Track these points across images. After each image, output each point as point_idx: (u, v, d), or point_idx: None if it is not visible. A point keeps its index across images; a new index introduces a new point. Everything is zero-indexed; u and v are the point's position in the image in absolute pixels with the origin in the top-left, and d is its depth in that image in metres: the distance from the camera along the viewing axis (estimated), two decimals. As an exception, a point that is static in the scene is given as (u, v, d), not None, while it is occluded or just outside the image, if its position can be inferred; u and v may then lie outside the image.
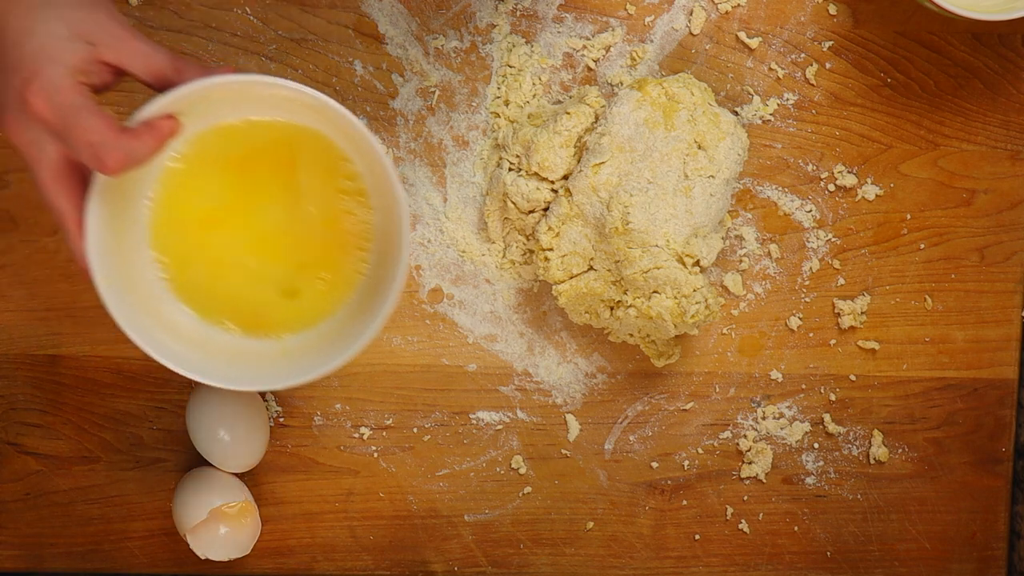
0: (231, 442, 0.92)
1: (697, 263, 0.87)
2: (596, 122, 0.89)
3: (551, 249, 0.89)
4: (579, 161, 0.89)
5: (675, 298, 0.87)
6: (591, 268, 0.89)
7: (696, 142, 0.88)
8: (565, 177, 0.90)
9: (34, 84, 0.70)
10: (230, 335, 0.83)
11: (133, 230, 0.80)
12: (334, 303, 0.83)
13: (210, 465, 0.94)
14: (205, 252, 0.82)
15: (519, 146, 0.91)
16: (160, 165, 0.78)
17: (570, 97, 0.94)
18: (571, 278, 0.90)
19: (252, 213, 0.82)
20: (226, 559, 0.93)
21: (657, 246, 0.86)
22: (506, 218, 0.93)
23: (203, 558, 0.92)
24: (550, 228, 0.89)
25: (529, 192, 0.90)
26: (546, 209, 0.91)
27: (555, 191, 0.90)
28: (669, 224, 0.87)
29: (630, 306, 0.88)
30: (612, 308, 0.90)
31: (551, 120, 0.90)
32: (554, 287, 0.90)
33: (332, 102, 0.75)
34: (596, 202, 0.87)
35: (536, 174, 0.90)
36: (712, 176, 0.88)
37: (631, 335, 0.93)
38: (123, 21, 0.74)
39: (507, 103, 0.93)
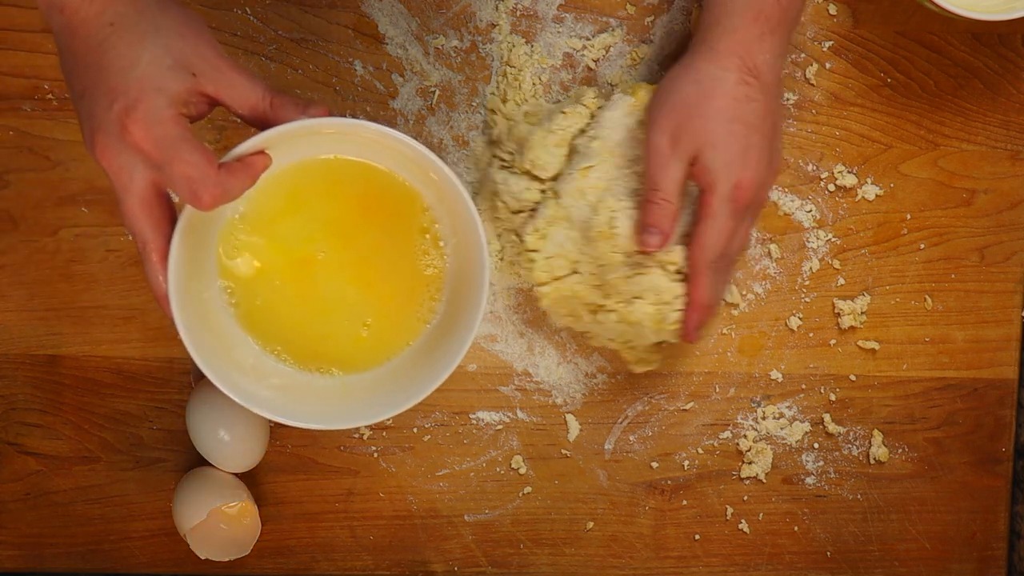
0: (231, 442, 0.92)
1: (679, 271, 0.87)
2: (590, 123, 0.89)
3: (536, 250, 0.89)
4: (569, 163, 0.89)
5: (656, 304, 0.87)
6: (575, 272, 0.89)
7: None
8: (555, 178, 0.90)
9: (136, 112, 0.70)
10: (289, 368, 0.84)
11: (209, 260, 0.81)
12: (395, 347, 0.85)
13: (210, 465, 0.94)
14: (274, 284, 0.83)
15: (513, 143, 0.91)
16: (246, 196, 0.79)
17: (567, 97, 0.94)
18: (554, 280, 0.90)
19: (328, 249, 0.83)
20: (226, 559, 0.93)
21: (640, 252, 0.86)
22: (496, 218, 0.93)
23: (203, 558, 0.92)
24: (536, 229, 0.89)
25: (519, 191, 0.90)
26: (534, 210, 0.91)
27: (544, 192, 0.90)
28: None
29: (611, 310, 0.88)
30: (594, 312, 0.90)
31: (546, 118, 0.90)
32: (537, 288, 0.90)
33: (423, 149, 0.77)
34: (583, 205, 0.87)
35: (528, 172, 0.90)
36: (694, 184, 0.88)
37: (611, 339, 0.92)
38: (223, 53, 0.74)
39: (504, 100, 0.93)
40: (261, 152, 0.76)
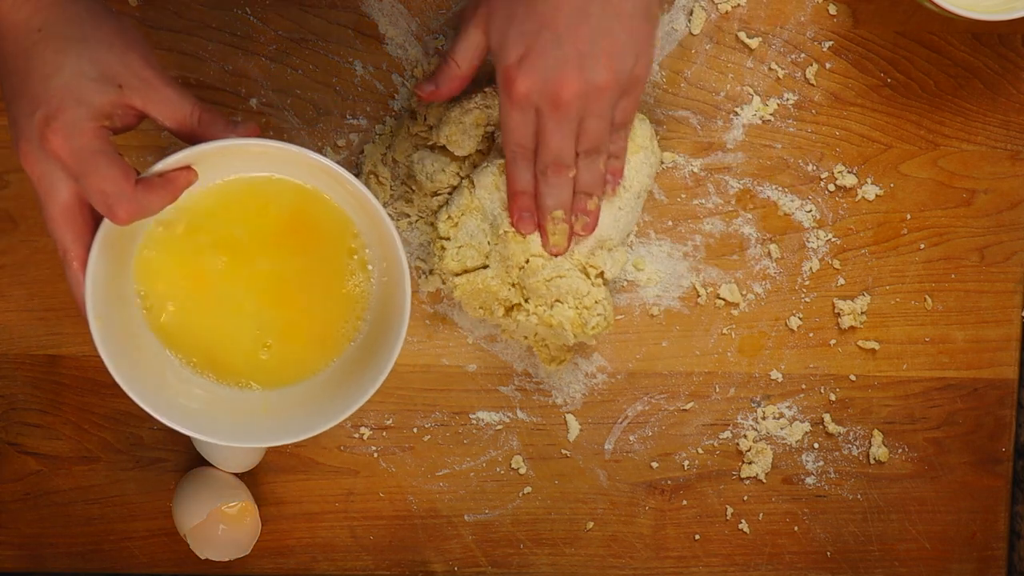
0: None
1: (601, 275, 0.87)
2: None
3: (448, 238, 0.89)
4: (488, 152, 0.89)
5: (576, 308, 0.87)
6: (485, 265, 0.89)
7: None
8: (473, 164, 0.89)
9: (56, 123, 0.70)
10: (208, 382, 0.84)
11: (128, 269, 0.81)
12: (318, 364, 0.86)
13: (210, 465, 0.94)
14: (195, 297, 0.83)
15: (433, 117, 0.90)
16: (175, 208, 0.79)
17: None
18: (465, 272, 0.89)
19: (250, 266, 0.83)
20: (226, 559, 0.93)
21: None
22: (410, 202, 0.92)
23: (203, 558, 0.92)
24: (449, 217, 0.89)
25: (434, 171, 0.90)
26: (448, 198, 0.90)
27: (460, 178, 0.90)
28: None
29: (531, 313, 0.88)
30: (508, 309, 0.90)
31: (464, 97, 0.89)
32: (451, 278, 0.90)
33: (347, 174, 0.77)
34: (496, 200, 0.87)
35: (443, 149, 0.90)
36: (625, 191, 0.88)
37: (526, 337, 0.92)
38: (155, 64, 0.74)
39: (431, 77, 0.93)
40: (187, 168, 0.75)
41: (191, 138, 0.75)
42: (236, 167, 0.80)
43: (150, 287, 0.83)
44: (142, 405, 0.79)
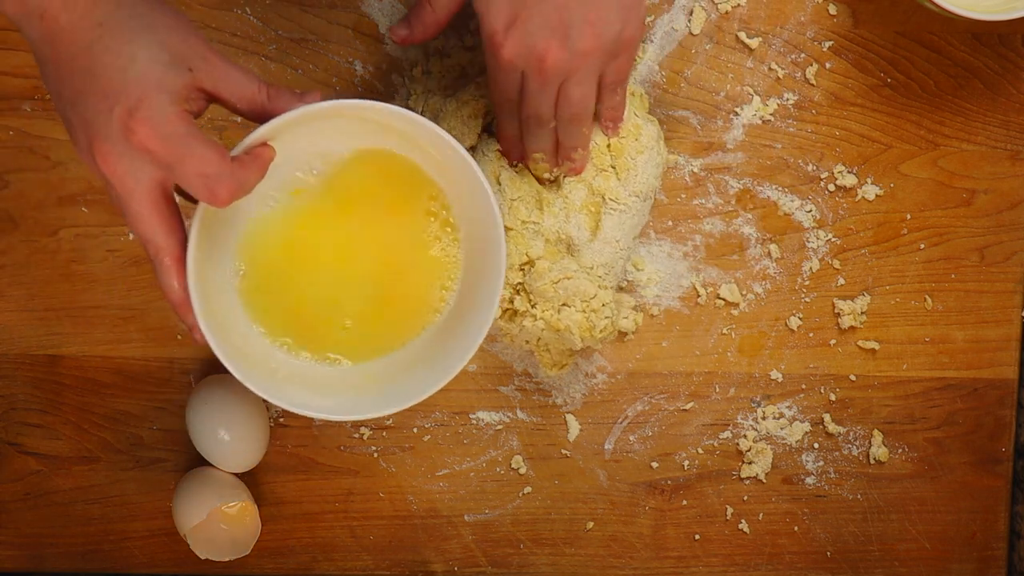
0: (231, 442, 0.92)
1: (607, 277, 0.88)
2: None
3: None
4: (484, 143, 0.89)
5: (584, 312, 0.87)
6: None
7: (611, 152, 0.88)
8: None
9: (140, 112, 0.68)
10: (298, 359, 0.83)
11: (218, 259, 0.79)
12: (408, 335, 0.84)
13: (210, 465, 0.94)
14: (285, 274, 0.81)
15: (429, 114, 0.91)
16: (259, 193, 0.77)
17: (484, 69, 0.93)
18: None
19: (339, 238, 0.82)
20: (226, 559, 0.93)
21: (570, 256, 0.87)
22: None
23: (203, 558, 0.92)
24: None
25: None
26: None
27: None
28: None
29: (539, 318, 0.88)
30: (504, 311, 0.90)
31: (461, 90, 0.89)
32: None
33: (429, 124, 0.75)
34: (496, 194, 0.87)
35: None
36: (630, 193, 0.88)
37: (527, 342, 0.92)
38: (215, 48, 0.72)
39: (429, 73, 0.93)
40: (265, 144, 0.75)
41: (261, 116, 0.73)
42: (305, 142, 0.79)
43: (248, 269, 0.81)
44: (263, 394, 0.77)
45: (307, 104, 0.74)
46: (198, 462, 0.95)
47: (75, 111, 0.70)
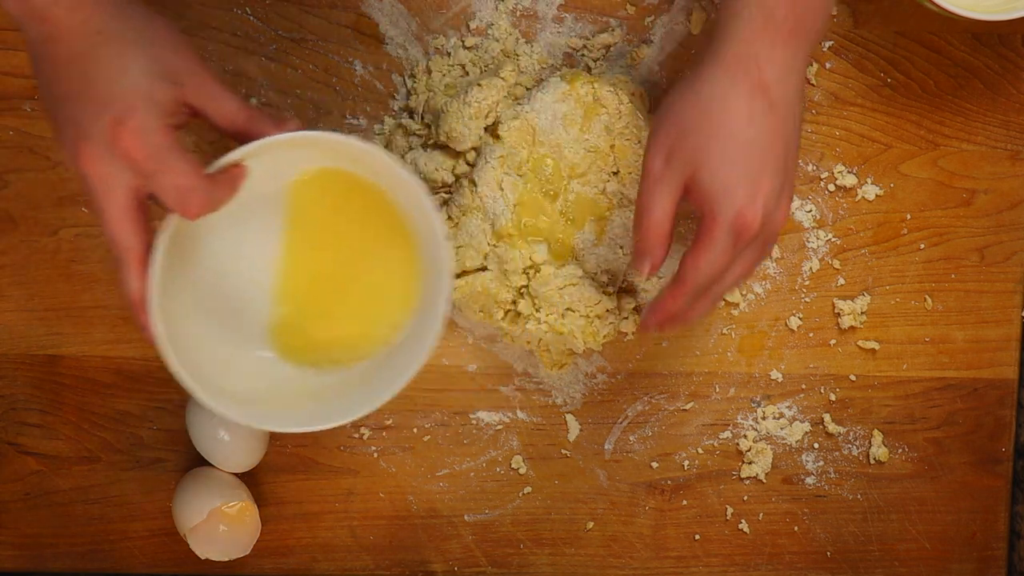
0: (231, 442, 0.92)
1: (611, 281, 0.88)
2: (507, 98, 0.89)
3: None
4: (486, 151, 0.89)
5: (588, 318, 0.87)
6: (485, 267, 0.89)
7: (614, 153, 0.88)
8: (472, 161, 0.89)
9: (130, 123, 0.70)
10: (269, 364, 0.85)
11: (188, 268, 0.81)
12: (371, 348, 0.85)
13: (210, 465, 0.94)
14: (247, 288, 0.84)
15: (429, 114, 0.90)
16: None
17: (486, 68, 0.93)
18: (464, 274, 0.89)
19: (306, 253, 0.84)
20: (226, 559, 0.93)
21: (575, 261, 0.87)
22: None
23: (203, 558, 0.92)
24: (450, 217, 0.89)
25: (430, 171, 0.90)
26: (449, 196, 0.90)
27: (456, 177, 0.90)
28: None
29: (543, 322, 0.88)
30: (507, 312, 0.90)
31: (463, 91, 0.89)
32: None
33: (388, 159, 0.77)
34: (499, 199, 0.87)
35: (443, 146, 0.89)
36: (634, 197, 0.88)
37: (528, 342, 0.92)
38: (206, 65, 0.75)
39: (429, 72, 0.93)
40: (238, 165, 0.76)
41: (240, 136, 0.76)
42: (281, 165, 0.81)
43: (211, 280, 0.83)
44: (207, 401, 0.78)
45: (283, 133, 0.75)
46: (198, 462, 0.95)
47: (63, 109, 0.72)
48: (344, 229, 0.84)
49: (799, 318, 0.96)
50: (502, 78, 0.89)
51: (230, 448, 0.92)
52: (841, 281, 0.96)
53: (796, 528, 0.98)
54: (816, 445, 0.97)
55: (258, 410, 0.82)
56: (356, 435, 0.96)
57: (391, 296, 0.85)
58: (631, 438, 0.97)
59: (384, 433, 0.96)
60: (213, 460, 0.93)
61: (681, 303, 0.79)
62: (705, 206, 0.75)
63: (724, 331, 0.96)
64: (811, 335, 0.96)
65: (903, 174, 0.96)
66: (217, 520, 0.92)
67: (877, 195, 0.95)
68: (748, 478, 0.97)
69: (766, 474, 0.97)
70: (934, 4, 0.88)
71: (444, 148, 0.90)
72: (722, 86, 0.75)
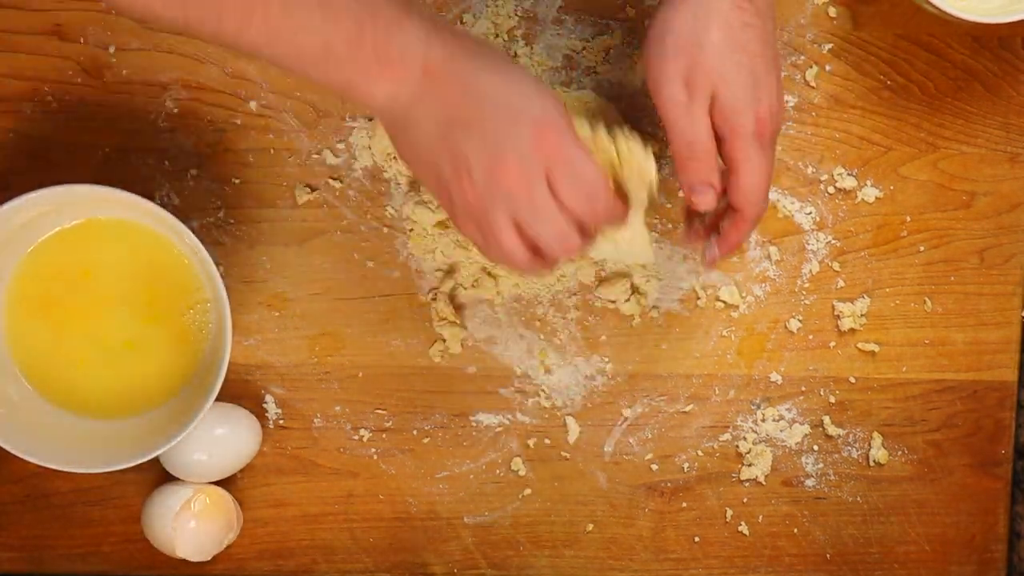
0: (207, 459, 0.93)
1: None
2: None
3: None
4: None
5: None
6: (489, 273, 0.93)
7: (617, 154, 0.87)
8: None
9: (551, 122, 0.74)
10: (59, 412, 0.91)
11: None
12: (162, 394, 0.91)
13: (176, 480, 0.93)
14: (46, 331, 0.90)
15: None
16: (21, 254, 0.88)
17: None
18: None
19: (93, 301, 0.90)
20: (223, 547, 0.92)
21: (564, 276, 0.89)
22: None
23: (197, 561, 0.91)
24: (447, 224, 0.93)
25: None
26: None
27: None
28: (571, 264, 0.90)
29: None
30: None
31: None
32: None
33: (161, 211, 0.84)
34: None
35: None
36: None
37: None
38: None
39: None
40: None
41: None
42: (93, 209, 0.88)
43: (13, 323, 0.89)
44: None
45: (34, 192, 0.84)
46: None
47: (471, 140, 0.73)
48: (135, 282, 0.89)
49: (799, 320, 0.96)
50: None
51: (190, 457, 0.92)
52: (841, 283, 0.96)
53: (796, 530, 0.98)
54: (816, 447, 0.97)
55: (43, 447, 0.88)
56: (356, 437, 0.96)
57: (185, 344, 0.90)
58: (631, 440, 0.97)
59: (384, 435, 0.96)
60: (176, 472, 0.93)
61: (745, 232, 0.81)
62: (726, 124, 0.78)
63: (724, 333, 0.96)
64: (811, 337, 0.96)
65: (903, 176, 0.96)
66: (185, 520, 0.90)
67: (877, 197, 0.95)
68: (748, 480, 0.97)
69: (766, 476, 0.97)
70: (934, 6, 0.88)
71: None
72: (713, 2, 0.77)
